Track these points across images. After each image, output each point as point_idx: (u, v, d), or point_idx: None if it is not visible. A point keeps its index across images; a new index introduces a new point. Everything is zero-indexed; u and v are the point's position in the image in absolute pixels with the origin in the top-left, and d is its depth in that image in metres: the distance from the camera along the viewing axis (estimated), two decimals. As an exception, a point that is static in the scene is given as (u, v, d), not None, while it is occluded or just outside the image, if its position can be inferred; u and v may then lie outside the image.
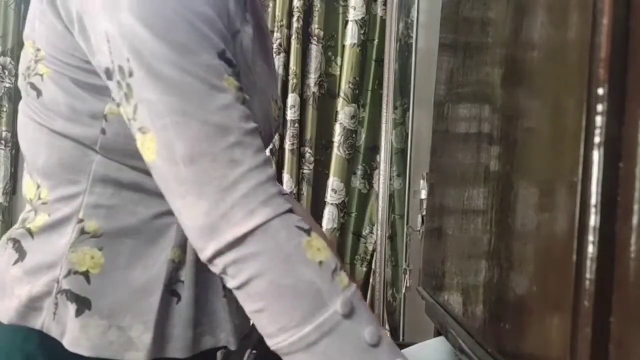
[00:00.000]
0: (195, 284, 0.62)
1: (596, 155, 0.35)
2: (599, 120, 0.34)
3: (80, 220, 0.59)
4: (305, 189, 2.10)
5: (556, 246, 0.40)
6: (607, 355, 0.33)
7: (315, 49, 2.12)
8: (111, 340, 0.59)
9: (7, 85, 2.19)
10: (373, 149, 2.15)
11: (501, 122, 0.57)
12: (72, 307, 0.58)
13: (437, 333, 0.84)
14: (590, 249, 0.34)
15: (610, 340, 0.33)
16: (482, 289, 0.59)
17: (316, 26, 2.13)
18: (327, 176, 2.12)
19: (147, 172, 0.54)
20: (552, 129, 0.43)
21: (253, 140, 0.51)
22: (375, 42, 2.15)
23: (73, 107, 0.57)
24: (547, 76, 0.45)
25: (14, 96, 2.19)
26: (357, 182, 2.15)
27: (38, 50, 0.58)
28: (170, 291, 0.61)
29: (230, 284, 0.51)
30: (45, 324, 0.59)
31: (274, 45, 2.10)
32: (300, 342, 0.48)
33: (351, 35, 2.11)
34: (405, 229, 1.79)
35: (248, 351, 0.75)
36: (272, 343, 0.50)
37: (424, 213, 1.11)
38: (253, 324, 0.53)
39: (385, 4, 2.11)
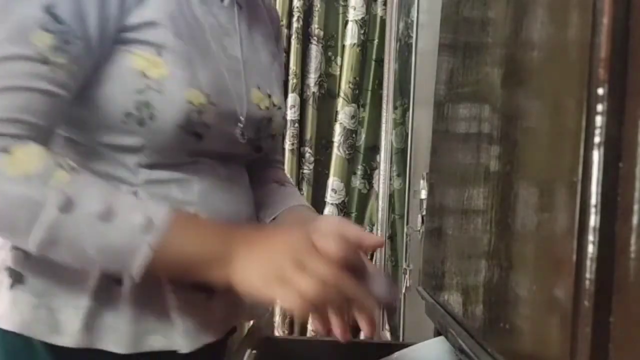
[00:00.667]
0: None
1: (596, 155, 0.35)
2: (599, 120, 0.34)
3: None
4: (305, 189, 2.10)
5: (556, 246, 0.40)
6: (607, 355, 0.33)
7: (315, 49, 2.12)
8: (38, 319, 0.58)
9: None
10: (373, 149, 2.15)
11: (501, 122, 0.57)
12: (7, 281, 0.60)
13: (437, 333, 0.84)
14: (590, 249, 0.34)
15: (610, 340, 0.33)
16: (482, 289, 0.59)
17: (316, 26, 2.13)
18: (327, 176, 2.12)
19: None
20: (552, 129, 0.43)
21: None
22: (375, 42, 2.15)
23: None
24: (547, 76, 0.45)
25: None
26: (357, 182, 2.15)
27: None
28: (112, 277, 0.59)
29: None
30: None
31: (274, 45, 2.11)
32: (38, 247, 0.51)
33: (351, 35, 2.11)
34: (405, 229, 1.79)
35: (248, 351, 0.75)
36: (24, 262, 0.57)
37: (424, 213, 1.11)
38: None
39: (385, 4, 2.11)
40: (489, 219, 0.58)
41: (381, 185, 2.01)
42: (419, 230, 1.33)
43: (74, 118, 0.60)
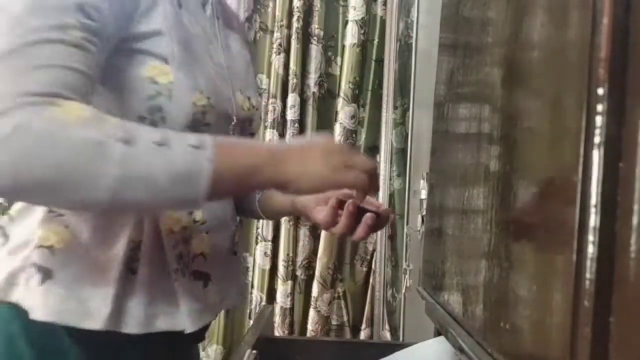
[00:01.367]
0: (150, 264, 0.67)
1: (596, 155, 0.35)
2: (599, 120, 0.34)
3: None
4: (305, 189, 2.10)
5: (556, 246, 0.40)
6: (607, 355, 0.33)
7: (315, 49, 2.12)
8: (69, 309, 0.64)
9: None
10: (373, 149, 2.15)
11: (501, 122, 0.57)
12: (37, 277, 0.64)
13: (437, 333, 0.84)
14: (590, 249, 0.34)
15: (610, 340, 0.33)
16: (482, 289, 0.59)
17: (316, 26, 2.13)
18: (327, 176, 2.12)
19: None
20: (552, 129, 0.43)
21: (40, 61, 0.54)
22: (375, 42, 2.15)
23: None
24: (547, 76, 0.45)
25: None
26: (357, 182, 2.15)
27: None
28: (129, 268, 0.66)
29: None
30: (20, 296, 0.64)
31: (274, 45, 2.11)
32: (113, 189, 0.52)
33: (351, 35, 2.11)
34: (405, 229, 1.79)
35: (248, 351, 0.75)
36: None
37: (424, 213, 1.11)
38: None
39: (385, 4, 2.11)
40: (489, 219, 0.58)
41: (381, 185, 2.01)
42: (419, 230, 1.33)
43: None
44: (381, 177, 2.00)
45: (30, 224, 0.66)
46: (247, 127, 0.83)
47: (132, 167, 0.52)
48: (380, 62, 2.12)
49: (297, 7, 2.09)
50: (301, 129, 2.11)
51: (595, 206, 0.34)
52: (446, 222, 0.82)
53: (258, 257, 2.10)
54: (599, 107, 0.34)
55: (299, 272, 2.11)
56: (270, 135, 2.08)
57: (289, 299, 2.07)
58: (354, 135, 2.14)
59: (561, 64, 0.42)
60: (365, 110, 2.16)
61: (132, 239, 0.67)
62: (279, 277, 2.08)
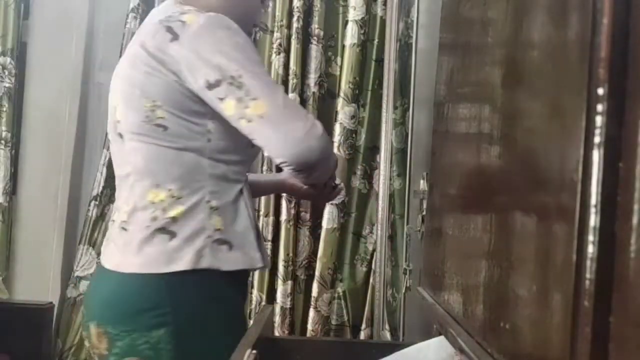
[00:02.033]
0: (258, 229, 1.08)
1: (596, 155, 0.35)
2: (599, 120, 0.34)
3: (208, 202, 1.00)
4: (305, 189, 2.10)
5: (556, 246, 0.40)
6: (607, 355, 0.33)
7: (315, 49, 2.12)
8: (243, 260, 1.02)
9: (7, 85, 2.18)
10: (373, 149, 2.15)
11: (501, 122, 0.57)
12: (221, 248, 1.00)
13: (437, 333, 0.84)
14: (590, 249, 0.34)
15: (610, 340, 0.33)
16: (482, 289, 0.59)
17: (316, 26, 2.13)
18: (327, 176, 2.12)
19: (229, 164, 1.02)
20: (552, 129, 0.43)
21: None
22: (375, 42, 2.15)
23: (190, 129, 0.99)
24: (547, 76, 0.45)
25: (14, 96, 2.18)
26: (357, 182, 2.15)
27: (154, 102, 0.97)
28: (257, 230, 1.06)
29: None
30: (210, 262, 0.98)
31: (274, 45, 2.11)
32: (332, 172, 1.13)
33: (351, 35, 2.11)
34: (405, 229, 1.79)
35: (248, 351, 0.75)
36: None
37: (424, 213, 1.11)
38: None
39: (385, 4, 2.11)
40: (489, 219, 0.58)
41: (381, 185, 2.01)
42: (419, 230, 1.33)
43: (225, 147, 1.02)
44: (381, 177, 2.00)
45: (197, 218, 0.98)
46: None
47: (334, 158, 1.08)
48: (380, 62, 2.12)
49: (297, 7, 2.09)
50: (301, 129, 2.10)
51: (595, 206, 0.34)
52: (446, 222, 0.82)
53: (258, 257, 2.09)
54: (599, 107, 0.34)
55: (299, 272, 2.11)
56: (270, 135, 2.08)
57: (289, 299, 2.07)
58: (354, 135, 2.13)
59: (561, 64, 0.42)
60: (365, 110, 2.16)
61: (249, 214, 1.04)
62: (279, 277, 2.07)
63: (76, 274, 2.18)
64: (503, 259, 0.53)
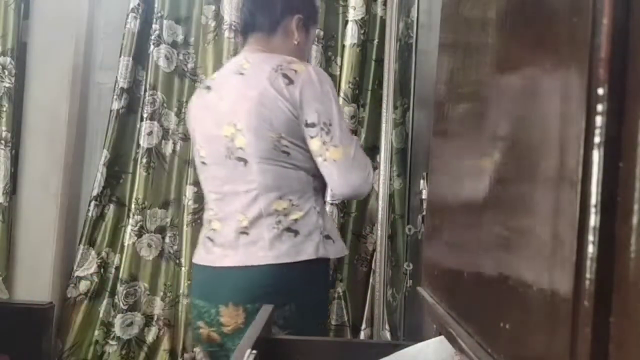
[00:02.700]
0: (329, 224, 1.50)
1: (596, 155, 0.34)
2: (599, 120, 0.34)
3: (315, 207, 1.40)
4: (305, 189, 2.10)
5: (556, 246, 0.40)
6: (607, 356, 0.33)
7: (315, 49, 2.12)
8: (336, 250, 1.45)
9: (7, 85, 2.18)
10: (373, 149, 2.15)
11: (501, 122, 0.57)
12: (328, 241, 1.42)
13: (437, 333, 0.84)
14: (590, 249, 0.34)
15: (610, 340, 0.33)
16: (482, 289, 0.59)
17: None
18: (327, 176, 2.11)
19: (317, 179, 1.42)
20: (552, 129, 0.43)
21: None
22: (375, 42, 2.15)
23: (303, 154, 1.37)
24: (547, 76, 0.45)
25: (14, 96, 2.18)
26: (357, 182, 2.15)
27: (280, 134, 1.33)
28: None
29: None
30: (324, 252, 1.39)
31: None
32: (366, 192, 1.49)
33: (351, 35, 2.11)
34: (405, 229, 1.79)
35: (248, 351, 0.75)
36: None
37: (424, 213, 1.11)
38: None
39: (385, 4, 2.11)
40: (489, 218, 0.58)
41: (381, 185, 2.01)
42: (419, 230, 1.33)
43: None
44: (381, 177, 2.00)
45: (312, 219, 1.38)
46: None
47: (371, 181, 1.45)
48: (380, 62, 2.12)
49: (297, 7, 2.09)
50: (301, 129, 2.10)
51: (595, 206, 0.34)
52: (446, 222, 0.82)
53: (258, 257, 2.09)
54: (599, 107, 0.34)
55: (299, 272, 2.11)
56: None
57: (289, 299, 2.07)
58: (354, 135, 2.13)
59: (561, 64, 0.42)
60: (365, 110, 2.16)
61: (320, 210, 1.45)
62: (279, 277, 2.07)
63: (76, 274, 2.18)
64: (503, 259, 0.53)
